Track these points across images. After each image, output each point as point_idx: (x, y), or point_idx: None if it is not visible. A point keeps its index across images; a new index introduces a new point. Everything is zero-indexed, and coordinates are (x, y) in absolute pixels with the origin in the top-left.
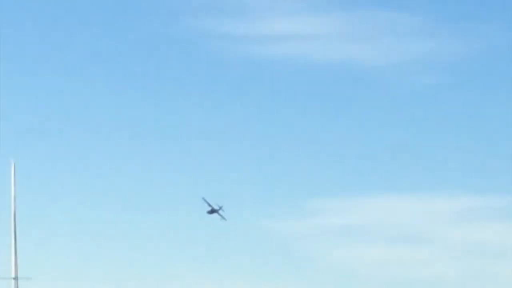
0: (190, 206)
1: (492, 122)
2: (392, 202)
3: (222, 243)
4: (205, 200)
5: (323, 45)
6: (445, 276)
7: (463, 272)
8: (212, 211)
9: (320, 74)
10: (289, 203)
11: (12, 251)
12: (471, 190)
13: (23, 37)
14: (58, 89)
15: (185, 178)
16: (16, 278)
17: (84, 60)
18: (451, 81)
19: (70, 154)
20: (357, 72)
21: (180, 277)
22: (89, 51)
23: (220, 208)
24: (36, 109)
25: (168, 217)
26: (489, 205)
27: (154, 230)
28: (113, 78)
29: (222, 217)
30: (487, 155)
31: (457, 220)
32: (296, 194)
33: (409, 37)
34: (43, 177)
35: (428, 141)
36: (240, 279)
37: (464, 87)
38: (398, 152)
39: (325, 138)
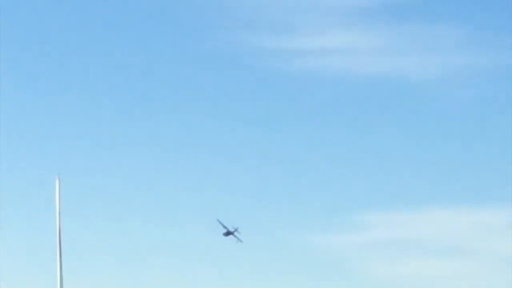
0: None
1: None
2: (440, 215)
3: (268, 258)
4: (220, 222)
5: (367, 59)
6: None
7: None
8: (228, 233)
9: (365, 88)
10: (335, 217)
11: (58, 267)
12: None
13: (70, 58)
14: (101, 104)
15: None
16: None
17: (127, 76)
18: (498, 93)
19: (114, 169)
20: (402, 85)
21: None
22: (134, 66)
23: (236, 229)
24: (82, 125)
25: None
26: None
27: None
28: (158, 93)
29: (238, 239)
30: None
31: (506, 232)
32: (343, 207)
33: (453, 50)
34: (88, 192)
35: (475, 153)
36: None
37: (510, 99)
38: (445, 164)
39: (371, 152)
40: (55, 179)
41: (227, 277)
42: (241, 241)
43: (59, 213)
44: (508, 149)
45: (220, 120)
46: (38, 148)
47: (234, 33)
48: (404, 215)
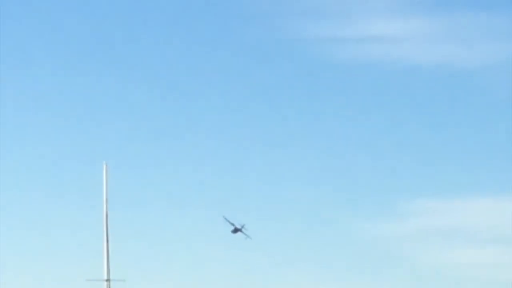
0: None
1: None
2: (486, 204)
3: (318, 245)
4: (226, 219)
5: (418, 46)
6: None
7: None
8: (236, 230)
9: (415, 75)
10: (382, 205)
11: (104, 253)
12: None
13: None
14: (148, 93)
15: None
16: (108, 280)
17: (179, 65)
18: None
19: (161, 157)
20: (452, 74)
21: (277, 279)
22: (188, 55)
23: (243, 226)
24: (128, 112)
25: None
26: None
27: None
28: (210, 83)
29: (247, 236)
30: None
31: None
32: (391, 195)
33: (504, 38)
34: (135, 179)
35: None
36: (334, 281)
37: None
38: (492, 153)
39: (420, 140)
40: (103, 165)
41: (276, 265)
42: (250, 237)
43: (106, 199)
44: None
45: (271, 109)
46: (85, 135)
47: (287, 21)
48: (450, 203)
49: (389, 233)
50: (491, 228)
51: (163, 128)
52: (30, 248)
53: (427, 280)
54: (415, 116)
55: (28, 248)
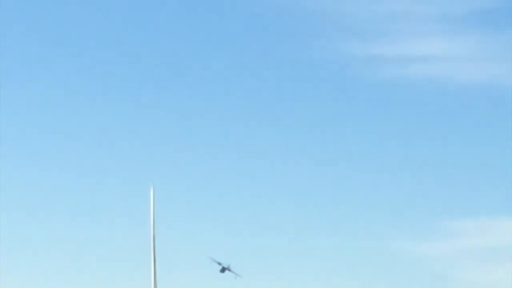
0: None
1: None
2: None
3: (361, 265)
4: (213, 259)
5: (465, 65)
6: None
7: None
8: (223, 269)
9: (462, 95)
10: (427, 225)
11: (152, 275)
12: None
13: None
14: (195, 115)
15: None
16: None
17: (222, 85)
18: None
19: (204, 181)
20: (500, 92)
21: None
22: (227, 75)
23: (228, 266)
24: (173, 137)
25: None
26: None
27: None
28: (251, 103)
29: (236, 274)
30: None
31: None
32: (434, 216)
33: None
34: (181, 202)
35: None
36: None
37: None
38: None
39: (464, 160)
40: (150, 188)
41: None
42: (239, 275)
43: (154, 221)
44: None
45: (313, 126)
46: (133, 158)
47: (327, 41)
48: (494, 223)
49: (433, 252)
50: None
51: (211, 152)
52: (79, 271)
53: None
54: (459, 136)
55: (77, 271)
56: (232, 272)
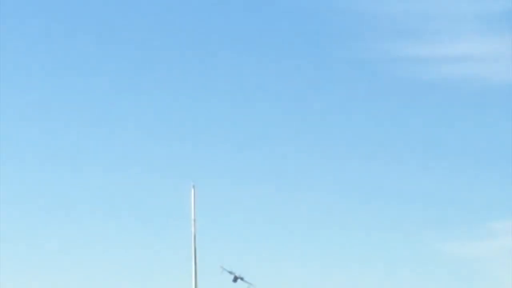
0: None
1: None
2: None
3: (404, 265)
4: (224, 269)
5: (503, 66)
6: None
7: None
8: (236, 278)
9: (499, 95)
10: (472, 224)
11: (193, 275)
12: None
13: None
14: (235, 112)
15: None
16: None
17: (266, 86)
18: None
19: (245, 177)
20: None
21: None
22: (268, 74)
23: (240, 275)
24: (214, 133)
25: None
26: None
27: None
28: (291, 103)
29: (249, 284)
30: None
31: None
32: (480, 214)
33: None
34: (222, 200)
35: None
36: None
37: None
38: None
39: (504, 159)
40: (191, 187)
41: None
42: (252, 284)
43: (194, 220)
44: None
45: (348, 124)
46: (173, 156)
47: (362, 41)
48: None
49: (478, 252)
50: None
51: (251, 149)
52: (118, 272)
53: None
54: (497, 137)
55: (116, 272)
56: (245, 281)
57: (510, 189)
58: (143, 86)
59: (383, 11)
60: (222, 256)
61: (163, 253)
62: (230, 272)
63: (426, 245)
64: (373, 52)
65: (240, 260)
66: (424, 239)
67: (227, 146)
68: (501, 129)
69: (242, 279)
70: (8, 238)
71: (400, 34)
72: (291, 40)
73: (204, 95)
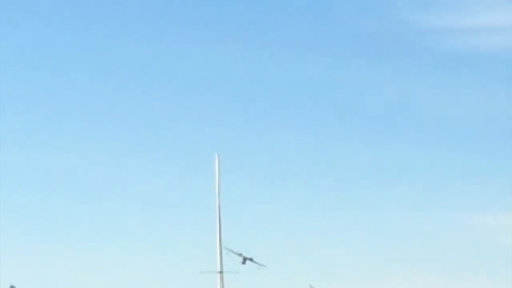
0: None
1: None
2: None
3: (434, 240)
4: (230, 250)
5: None
6: None
7: None
8: (245, 259)
9: None
10: (505, 197)
11: (217, 244)
12: None
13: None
14: (259, 82)
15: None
16: (221, 272)
17: (290, 56)
18: None
19: (269, 147)
20: None
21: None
22: (300, 48)
23: (251, 257)
24: (239, 104)
25: None
26: None
27: None
28: (312, 72)
29: (260, 264)
30: None
31: None
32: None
33: None
34: (246, 170)
35: None
36: (452, 276)
37: None
38: None
39: None
40: (215, 156)
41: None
42: (264, 266)
43: (219, 189)
44: None
45: (377, 96)
46: (198, 125)
47: (392, 12)
48: None
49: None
50: None
51: (274, 119)
52: (143, 242)
53: None
54: None
55: (141, 242)
56: (256, 262)
57: None
58: (164, 51)
59: None
60: (245, 226)
61: (187, 222)
62: (239, 254)
63: (457, 217)
64: (400, 23)
65: (265, 228)
66: (454, 211)
67: (253, 117)
68: None
69: (251, 260)
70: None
71: (430, 5)
72: (319, 11)
73: (230, 65)
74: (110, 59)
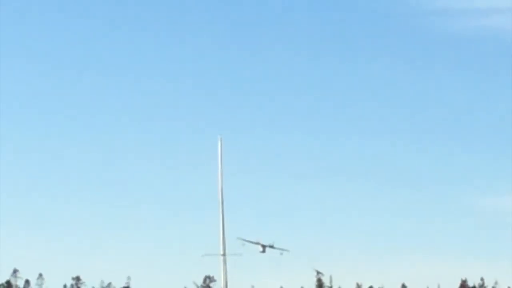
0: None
1: None
2: None
3: (431, 218)
4: (244, 240)
5: None
6: None
7: None
8: (264, 247)
9: None
10: (502, 177)
11: (220, 227)
12: None
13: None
14: (266, 69)
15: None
16: (224, 255)
17: (291, 38)
18: None
19: (273, 130)
20: None
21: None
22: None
23: (273, 243)
24: (243, 84)
25: None
26: None
27: None
28: (317, 56)
29: (282, 249)
30: None
31: None
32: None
33: None
34: (249, 152)
35: None
36: (450, 252)
37: None
38: None
39: None
40: (218, 139)
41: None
42: (287, 250)
43: (221, 172)
44: None
45: (379, 77)
46: (201, 109)
47: None
48: None
49: (507, 205)
50: None
51: (277, 103)
52: (147, 223)
53: None
54: None
55: (145, 223)
56: (277, 248)
57: None
58: (172, 41)
59: None
60: (248, 210)
61: (190, 204)
62: (256, 243)
63: (457, 199)
64: (404, 4)
65: (268, 207)
66: (455, 193)
67: (256, 100)
68: None
69: (272, 247)
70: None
71: None
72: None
73: (235, 51)
74: (108, 48)
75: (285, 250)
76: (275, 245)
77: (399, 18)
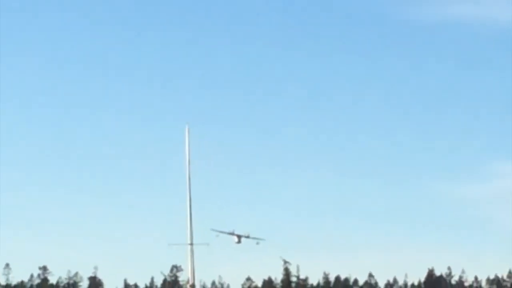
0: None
1: None
2: None
3: (400, 207)
4: (219, 231)
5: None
6: None
7: None
8: (239, 237)
9: (506, 34)
10: (468, 166)
11: (188, 216)
12: None
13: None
14: (232, 55)
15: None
16: (191, 244)
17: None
18: None
19: (239, 117)
20: None
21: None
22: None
23: (248, 234)
24: (208, 75)
25: None
26: None
27: None
28: (293, 41)
29: (258, 239)
30: None
31: None
32: (476, 157)
33: None
34: (216, 141)
35: None
36: (417, 241)
37: None
38: None
39: (507, 101)
40: (185, 128)
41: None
42: (263, 239)
43: (189, 161)
44: None
45: (357, 66)
46: (168, 99)
47: None
48: None
49: (474, 194)
50: None
51: (244, 91)
52: (114, 212)
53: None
54: (502, 76)
55: (111, 212)
56: (253, 238)
57: (507, 132)
58: (141, 27)
59: None
60: (216, 199)
61: (157, 194)
62: (230, 233)
63: (423, 186)
64: None
65: (235, 196)
66: (421, 180)
67: (223, 90)
68: (505, 65)
69: (248, 237)
70: None
71: None
72: None
73: (204, 39)
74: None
75: (261, 239)
76: (250, 235)
77: (372, 4)
